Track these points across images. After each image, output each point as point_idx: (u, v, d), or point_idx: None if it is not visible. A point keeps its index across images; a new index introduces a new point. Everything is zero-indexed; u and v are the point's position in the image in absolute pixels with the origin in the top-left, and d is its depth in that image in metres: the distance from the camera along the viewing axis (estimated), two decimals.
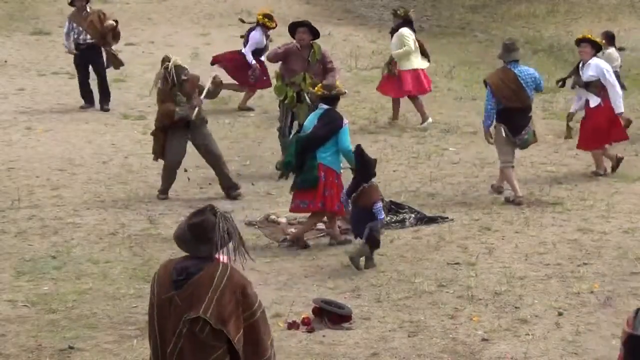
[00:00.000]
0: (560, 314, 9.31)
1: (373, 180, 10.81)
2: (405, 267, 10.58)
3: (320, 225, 11.85)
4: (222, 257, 6.09)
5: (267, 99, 18.73)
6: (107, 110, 17.83)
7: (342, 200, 11.00)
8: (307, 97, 13.81)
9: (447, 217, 12.14)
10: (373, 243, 10.56)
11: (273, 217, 12.07)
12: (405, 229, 11.86)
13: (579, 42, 13.95)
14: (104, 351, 8.68)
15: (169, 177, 13.08)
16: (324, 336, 8.88)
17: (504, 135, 12.85)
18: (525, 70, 12.97)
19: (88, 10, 17.96)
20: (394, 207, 12.26)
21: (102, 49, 17.89)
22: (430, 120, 16.79)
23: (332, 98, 11.41)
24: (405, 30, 16.78)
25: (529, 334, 8.90)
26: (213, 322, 5.85)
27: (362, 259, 10.55)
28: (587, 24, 25.82)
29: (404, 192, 13.11)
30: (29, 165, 14.48)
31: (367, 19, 28.15)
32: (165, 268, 6.12)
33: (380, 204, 10.67)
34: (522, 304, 9.57)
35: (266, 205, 12.63)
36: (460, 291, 9.90)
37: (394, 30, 17.04)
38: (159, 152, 13.07)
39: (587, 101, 13.69)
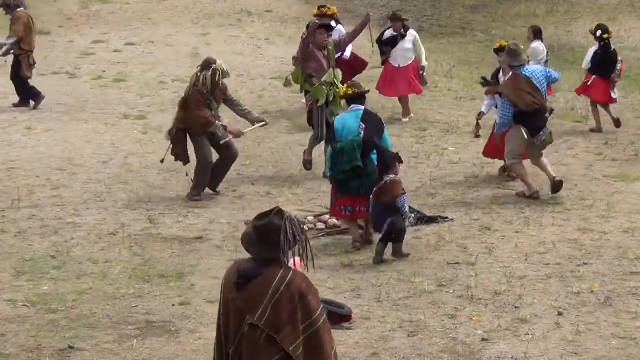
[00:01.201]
0: (560, 314, 9.31)
1: (394, 176, 10.81)
2: (405, 267, 10.58)
3: (320, 225, 11.83)
4: (292, 259, 5.98)
5: (267, 99, 18.73)
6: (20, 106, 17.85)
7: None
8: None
9: (447, 217, 12.14)
10: (397, 236, 10.68)
11: None
12: None
13: (497, 51, 13.94)
14: (104, 351, 8.68)
15: (205, 176, 12.93)
16: None
17: (525, 136, 12.81)
18: (534, 70, 12.92)
19: (13, 16, 18.02)
20: None
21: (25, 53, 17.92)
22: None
23: (362, 96, 11.29)
24: (414, 32, 17.09)
25: (529, 334, 8.90)
26: (267, 329, 5.78)
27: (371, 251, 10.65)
28: (587, 24, 25.82)
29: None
30: (29, 165, 14.48)
31: None
32: (232, 269, 6.00)
33: (403, 198, 10.71)
34: (522, 303, 9.57)
35: (266, 205, 12.60)
36: (460, 291, 9.90)
37: (402, 36, 17.02)
38: (184, 155, 12.91)
39: None
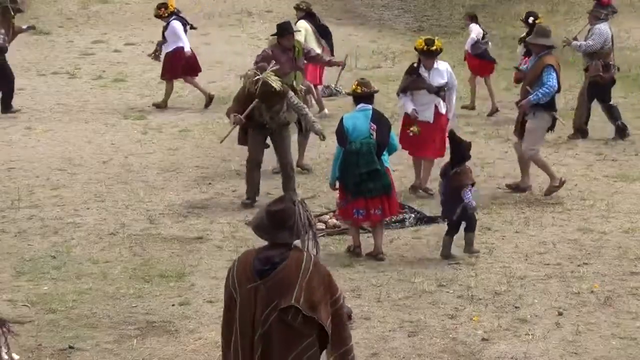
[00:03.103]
0: (560, 314, 9.31)
1: (466, 163, 10.92)
2: (405, 267, 10.58)
3: (320, 225, 11.80)
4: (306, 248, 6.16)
5: None
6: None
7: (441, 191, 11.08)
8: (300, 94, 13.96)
9: None
10: (469, 224, 10.82)
11: None
12: (405, 228, 11.86)
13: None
14: (104, 351, 8.68)
15: (249, 177, 12.76)
16: None
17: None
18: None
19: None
20: None
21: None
22: (326, 111, 17.20)
23: (370, 95, 11.01)
24: (300, 23, 16.99)
25: (529, 334, 8.91)
26: (305, 309, 5.91)
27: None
28: (586, 24, 25.83)
29: (404, 192, 13.10)
30: (29, 165, 14.48)
31: (366, 19, 28.15)
32: (245, 259, 6.09)
33: (469, 190, 10.81)
34: (522, 303, 9.57)
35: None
36: (460, 291, 9.90)
37: None
38: (242, 139, 12.92)
39: (435, 107, 12.87)
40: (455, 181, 10.84)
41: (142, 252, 11.06)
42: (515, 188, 13.05)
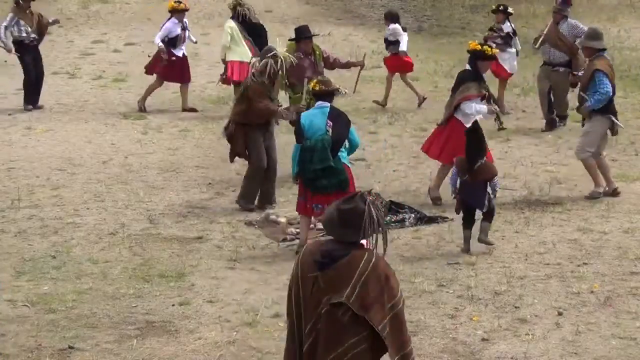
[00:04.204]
0: (560, 314, 9.32)
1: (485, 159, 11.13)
2: (405, 267, 10.58)
3: (320, 225, 11.81)
4: (368, 245, 6.14)
5: None
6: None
7: (451, 183, 11.10)
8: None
9: (447, 217, 12.13)
10: (493, 213, 11.09)
11: (273, 217, 12.07)
12: (405, 228, 11.86)
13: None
14: (104, 351, 8.68)
15: (255, 183, 12.48)
16: None
17: (619, 126, 12.77)
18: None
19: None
20: (394, 207, 12.26)
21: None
22: None
23: (330, 93, 11.13)
24: (228, 23, 17.04)
25: (528, 334, 8.91)
26: (356, 308, 5.93)
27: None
28: (586, 24, 25.85)
29: (404, 192, 13.12)
30: (29, 165, 14.49)
31: (366, 19, 28.16)
32: (311, 250, 6.14)
33: (497, 179, 11.17)
34: (522, 303, 9.57)
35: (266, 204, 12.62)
36: (460, 291, 9.90)
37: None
38: (242, 152, 12.44)
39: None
40: (482, 173, 10.94)
41: (142, 252, 11.07)
42: (609, 194, 12.95)
